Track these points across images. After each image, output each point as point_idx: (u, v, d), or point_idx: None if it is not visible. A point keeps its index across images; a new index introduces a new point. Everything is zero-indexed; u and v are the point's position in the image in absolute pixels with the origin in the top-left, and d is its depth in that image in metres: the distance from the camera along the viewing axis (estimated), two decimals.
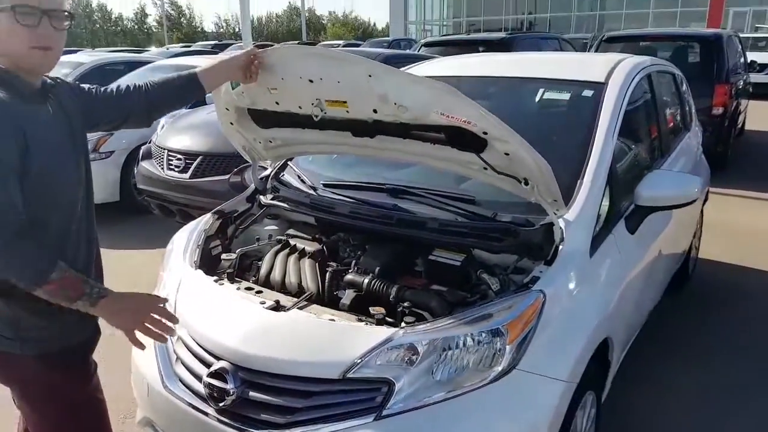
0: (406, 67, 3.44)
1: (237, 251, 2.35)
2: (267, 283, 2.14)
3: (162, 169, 4.80)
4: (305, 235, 2.41)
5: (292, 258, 2.22)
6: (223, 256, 2.33)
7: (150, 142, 5.20)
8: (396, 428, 1.59)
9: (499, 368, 1.67)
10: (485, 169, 1.96)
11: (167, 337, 1.56)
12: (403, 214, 2.20)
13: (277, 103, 2.10)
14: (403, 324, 1.78)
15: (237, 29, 51.79)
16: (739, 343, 3.39)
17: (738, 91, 8.19)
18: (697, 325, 3.62)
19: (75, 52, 17.24)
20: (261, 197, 2.59)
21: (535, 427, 1.68)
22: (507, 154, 1.82)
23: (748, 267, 4.49)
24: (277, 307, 1.89)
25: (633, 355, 2.81)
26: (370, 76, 1.77)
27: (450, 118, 1.77)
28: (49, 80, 1.57)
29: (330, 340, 1.76)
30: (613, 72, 2.73)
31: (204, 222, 2.49)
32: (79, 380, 1.67)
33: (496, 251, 2.05)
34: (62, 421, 1.62)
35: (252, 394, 1.72)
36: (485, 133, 1.78)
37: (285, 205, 2.50)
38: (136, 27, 54.19)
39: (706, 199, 4.30)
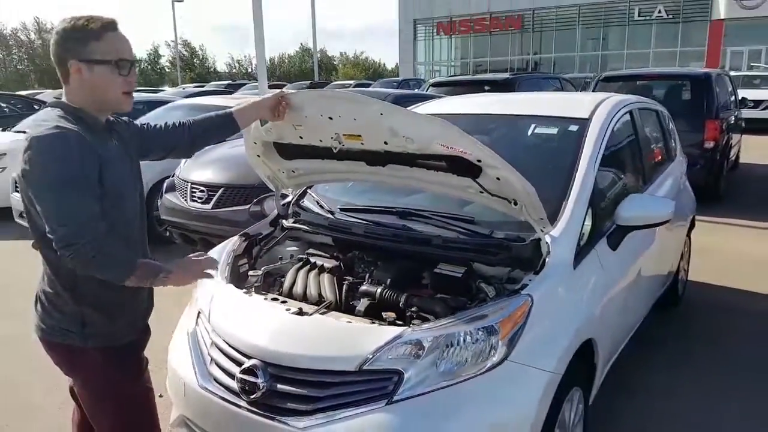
0: (414, 106, 3.80)
1: (262, 269, 2.65)
2: (290, 295, 2.43)
3: (185, 200, 5.14)
4: (324, 254, 2.70)
5: (313, 273, 2.51)
6: (250, 272, 2.63)
7: (173, 176, 5.54)
8: (404, 411, 1.86)
9: (494, 360, 1.94)
10: (481, 192, 2.26)
11: (212, 274, 1.94)
12: (411, 233, 2.50)
13: (300, 137, 2.43)
14: (411, 324, 2.06)
15: (249, 69, 53.02)
16: (725, 356, 3.64)
17: (729, 127, 8.53)
18: (685, 340, 3.87)
19: None
20: (283, 221, 2.90)
21: (525, 410, 1.94)
22: (498, 178, 2.12)
23: (738, 289, 4.74)
24: (301, 312, 2.18)
25: (624, 366, 3.07)
26: (381, 114, 2.10)
27: (449, 149, 2.08)
28: (110, 117, 1.89)
29: (347, 338, 2.04)
30: (596, 109, 3.06)
31: (232, 243, 2.79)
32: (133, 373, 1.94)
33: (493, 264, 2.33)
34: (119, 408, 1.88)
35: (279, 386, 1.99)
36: (479, 161, 2.09)
37: (305, 228, 2.81)
38: (149, 67, 55.55)
39: (693, 226, 4.58)
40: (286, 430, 1.90)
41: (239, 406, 2.02)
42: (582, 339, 2.23)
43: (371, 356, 1.94)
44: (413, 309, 2.20)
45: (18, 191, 6.45)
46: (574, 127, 2.95)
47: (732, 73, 20.53)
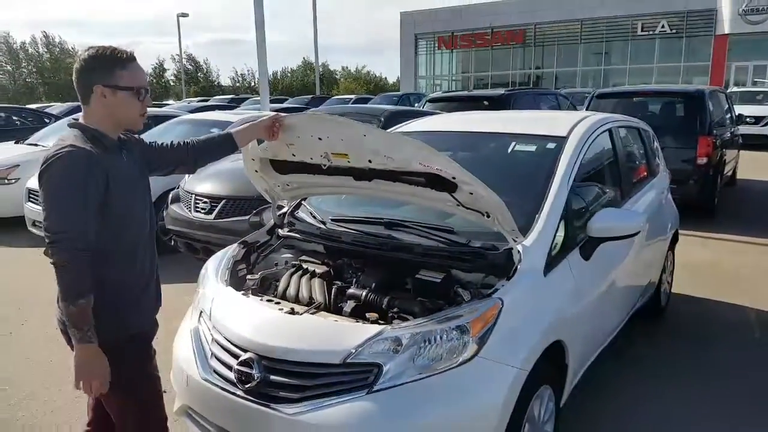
0: (407, 123, 4.03)
1: (259, 273, 2.87)
2: (284, 297, 2.64)
3: (189, 211, 5.38)
4: (316, 260, 2.92)
5: (305, 277, 2.73)
6: (248, 277, 2.85)
7: (178, 188, 5.79)
8: (383, 400, 2.06)
9: (465, 356, 2.15)
10: (457, 205, 2.48)
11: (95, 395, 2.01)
12: (395, 242, 2.72)
13: (293, 155, 2.66)
14: (392, 323, 2.27)
15: (253, 83, 53.46)
16: (704, 363, 3.83)
17: (724, 143, 8.72)
18: (667, 348, 4.07)
19: None
20: (279, 230, 3.12)
21: (493, 401, 2.13)
22: (471, 193, 2.35)
23: (722, 301, 4.92)
24: (292, 312, 2.40)
25: (599, 371, 3.27)
26: (364, 135, 2.35)
27: (426, 167, 2.31)
28: (122, 135, 2.12)
29: (333, 335, 2.25)
30: (574, 128, 3.28)
31: (232, 250, 3.02)
32: (143, 361, 2.15)
33: (469, 270, 2.54)
34: (130, 392, 2.08)
35: (272, 377, 2.20)
36: (454, 178, 2.31)
37: (299, 236, 3.03)
38: (154, 81, 56.10)
39: (676, 240, 4.78)
40: (277, 415, 2.11)
41: (236, 395, 2.23)
42: (550, 340, 2.43)
43: (354, 351, 2.14)
44: (394, 310, 2.41)
45: (31, 201, 6.75)
46: (551, 145, 3.17)
47: (734, 89, 20.78)
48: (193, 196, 5.42)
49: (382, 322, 2.33)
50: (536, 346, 2.32)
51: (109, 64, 1.95)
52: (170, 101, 32.71)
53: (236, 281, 2.81)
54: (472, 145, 3.57)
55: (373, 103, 18.27)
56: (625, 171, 3.76)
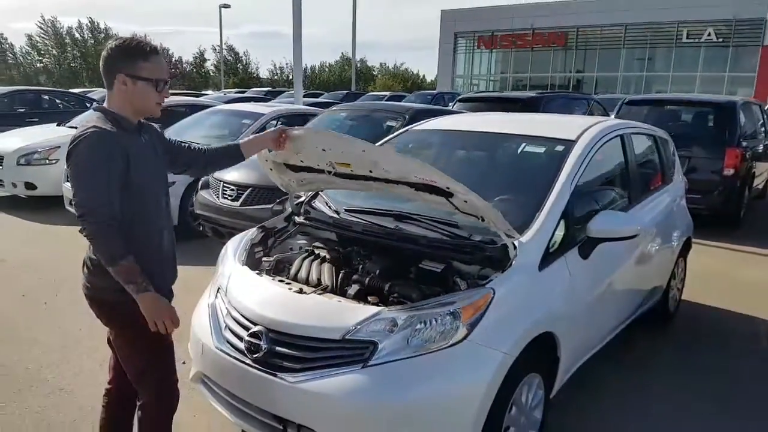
0: (427, 120, 4.21)
1: (274, 256, 3.08)
2: (295, 278, 2.84)
3: (217, 197, 5.64)
4: (328, 247, 3.11)
5: (316, 262, 2.93)
6: (264, 259, 3.06)
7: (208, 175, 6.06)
8: (376, 374, 2.25)
9: (456, 339, 2.31)
10: (455, 209, 2.65)
11: (170, 331, 2.18)
12: (402, 233, 2.89)
13: (301, 161, 2.88)
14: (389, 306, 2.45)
15: (290, 77, 54.07)
16: (704, 368, 3.92)
17: (756, 155, 8.65)
18: (670, 353, 4.16)
19: None
20: (296, 218, 3.32)
21: (479, 381, 2.30)
22: (465, 201, 2.52)
23: (735, 312, 4.95)
24: (300, 291, 2.60)
25: (601, 373, 3.39)
26: (363, 151, 2.54)
27: (423, 179, 2.51)
28: (141, 120, 2.27)
29: (335, 313, 2.44)
30: (584, 132, 3.40)
31: (251, 233, 3.23)
32: None
33: (468, 262, 2.70)
34: (145, 354, 2.26)
35: (278, 348, 2.40)
36: (447, 188, 2.49)
37: (314, 224, 3.22)
38: (194, 70, 57.13)
39: (689, 248, 4.84)
40: (280, 383, 2.31)
41: (245, 363, 2.44)
42: (540, 330, 2.58)
43: (353, 328, 2.33)
44: (395, 295, 2.59)
45: (68, 181, 7.11)
46: (560, 148, 3.30)
47: None
48: (222, 183, 5.68)
49: (382, 305, 2.51)
50: (524, 334, 2.47)
51: (132, 56, 2.11)
52: (209, 91, 33.32)
53: (253, 262, 3.02)
54: (484, 145, 3.72)
55: (407, 101, 18.41)
56: (635, 176, 3.85)
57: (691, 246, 4.88)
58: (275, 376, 2.34)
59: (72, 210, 7.16)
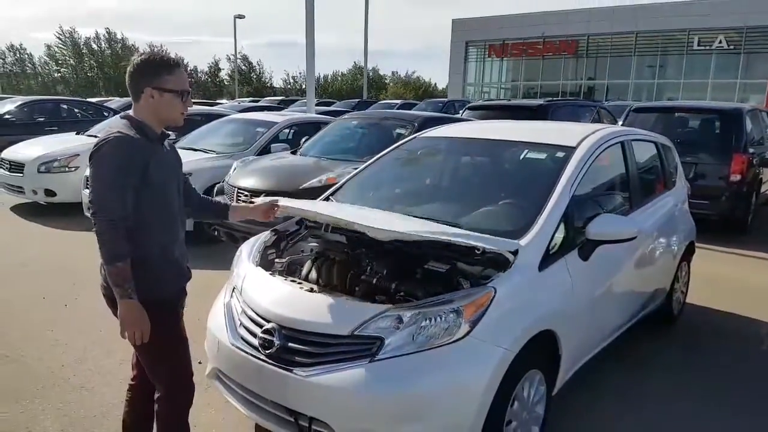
0: (434, 128, 4.35)
1: (287, 258, 3.22)
2: (306, 278, 2.98)
3: (232, 203, 5.79)
4: (337, 249, 3.25)
5: (326, 264, 3.06)
6: (277, 260, 3.20)
7: (223, 182, 6.24)
8: (382, 368, 2.38)
9: (458, 335, 2.44)
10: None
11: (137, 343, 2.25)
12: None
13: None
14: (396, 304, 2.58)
15: (303, 86, 54.49)
16: (704, 369, 4.01)
17: (763, 161, 8.71)
18: (672, 354, 4.25)
19: None
20: (307, 221, 3.46)
21: (480, 375, 2.41)
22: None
23: (740, 315, 5.03)
24: (311, 291, 2.74)
25: (603, 373, 3.49)
26: (350, 222, 2.74)
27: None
28: (164, 130, 2.39)
29: (344, 311, 2.57)
30: (584, 139, 3.53)
31: (264, 237, 3.38)
32: (173, 322, 2.42)
33: (471, 263, 2.83)
34: (162, 347, 2.35)
35: (290, 344, 2.54)
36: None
37: (324, 228, 3.36)
38: (209, 80, 57.70)
39: (692, 252, 4.93)
40: (292, 377, 2.45)
41: (258, 359, 2.58)
42: (540, 328, 2.69)
43: (361, 325, 2.47)
44: (401, 293, 2.72)
45: (88, 188, 7.31)
46: (560, 154, 3.42)
47: None
48: (236, 189, 5.85)
49: (388, 303, 2.63)
50: (525, 331, 2.59)
51: (157, 70, 2.26)
52: (223, 100, 33.69)
53: (266, 263, 3.17)
54: (489, 151, 3.86)
55: (417, 109, 18.57)
56: (635, 182, 3.96)
57: (694, 250, 4.97)
58: (287, 370, 2.47)
59: (90, 215, 7.39)
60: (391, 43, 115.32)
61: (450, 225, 3.03)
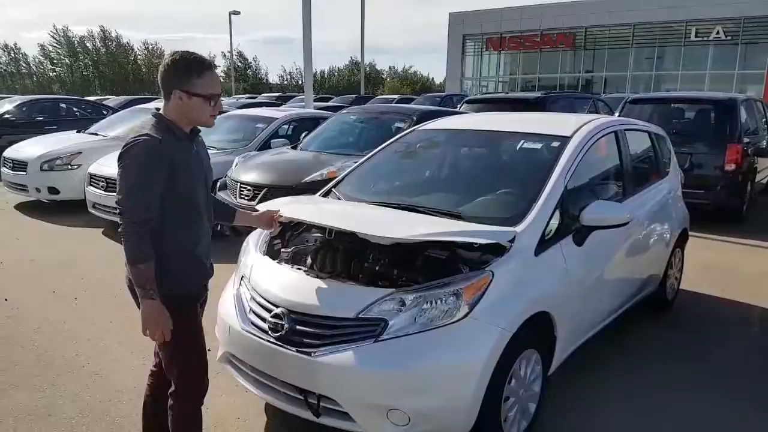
0: (433, 120, 4.47)
1: (292, 248, 3.34)
2: (311, 267, 3.10)
3: (234, 197, 5.92)
4: (341, 239, 3.36)
5: (331, 252, 3.18)
6: (282, 250, 3.32)
7: (225, 177, 6.36)
8: (386, 347, 2.51)
9: (458, 316, 2.56)
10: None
11: (159, 342, 2.33)
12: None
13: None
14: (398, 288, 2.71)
15: (300, 82, 54.50)
16: (693, 346, 4.14)
17: (758, 151, 8.83)
18: (665, 338, 4.39)
19: (150, 100, 19.10)
20: None
21: (479, 353, 2.54)
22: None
23: (733, 300, 5.18)
24: (317, 277, 2.86)
25: (598, 357, 3.62)
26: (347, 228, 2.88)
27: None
28: (195, 127, 2.40)
29: (349, 295, 2.70)
30: (578, 129, 3.65)
31: None
32: (192, 317, 2.44)
33: (470, 249, 2.95)
34: (179, 340, 2.39)
35: (298, 327, 2.67)
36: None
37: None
38: None
39: (686, 239, 5.06)
40: (301, 357, 2.58)
41: (268, 341, 2.70)
42: (536, 309, 2.82)
43: (365, 308, 2.59)
44: (403, 278, 2.84)
45: (91, 185, 7.41)
46: (556, 144, 3.54)
47: None
48: (239, 184, 5.97)
49: (391, 287, 2.75)
50: (521, 312, 2.72)
51: (187, 72, 2.25)
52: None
53: (272, 253, 3.29)
54: (486, 142, 3.99)
55: (415, 103, 18.68)
56: (629, 170, 4.08)
57: (688, 237, 5.10)
58: (296, 351, 2.60)
59: (95, 213, 7.50)
60: (388, 38, 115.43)
61: (450, 215, 3.15)
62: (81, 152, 8.54)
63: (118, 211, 2.22)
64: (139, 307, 2.34)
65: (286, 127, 8.65)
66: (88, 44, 55.42)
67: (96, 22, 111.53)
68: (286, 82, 59.40)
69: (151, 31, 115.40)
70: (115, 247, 6.75)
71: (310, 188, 5.05)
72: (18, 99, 14.44)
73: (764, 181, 9.86)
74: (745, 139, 8.22)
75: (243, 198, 5.88)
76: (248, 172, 6.11)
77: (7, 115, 12.79)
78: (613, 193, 3.88)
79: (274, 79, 60.87)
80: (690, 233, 5.20)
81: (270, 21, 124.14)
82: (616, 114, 8.82)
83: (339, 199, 3.68)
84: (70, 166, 8.49)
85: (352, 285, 2.79)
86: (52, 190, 8.49)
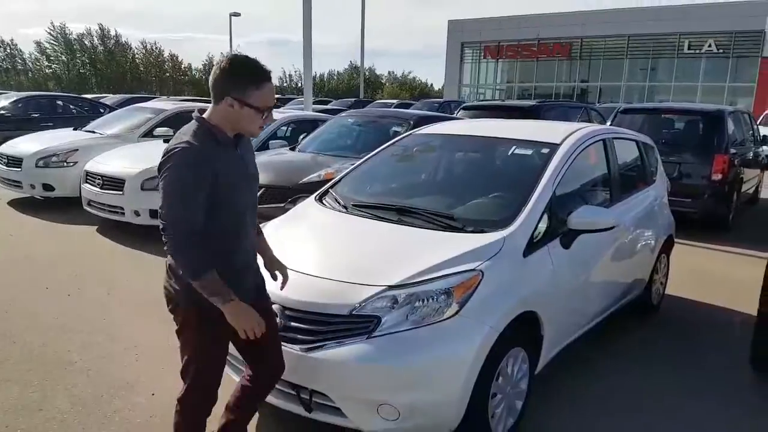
0: (429, 126, 4.58)
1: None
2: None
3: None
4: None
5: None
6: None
7: None
8: (379, 343, 2.59)
9: (448, 314, 2.65)
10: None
11: (258, 335, 2.27)
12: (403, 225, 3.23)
13: None
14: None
15: (299, 84, 54.57)
16: (680, 354, 4.24)
17: (744, 162, 8.99)
18: (651, 342, 4.49)
19: (148, 99, 19.14)
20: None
21: (467, 350, 2.62)
22: None
23: (715, 305, 5.29)
24: (311, 274, 2.93)
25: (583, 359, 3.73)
26: None
27: None
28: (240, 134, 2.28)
29: (343, 293, 2.77)
30: (568, 137, 3.76)
31: (267, 227, 3.57)
32: (217, 327, 2.26)
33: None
34: (197, 347, 2.31)
35: (293, 323, 2.75)
36: None
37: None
38: (204, 77, 57.74)
39: (671, 245, 5.17)
40: (295, 353, 2.66)
41: None
42: (523, 309, 2.91)
43: (359, 305, 2.68)
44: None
45: (87, 183, 7.45)
46: (545, 150, 3.65)
47: None
48: None
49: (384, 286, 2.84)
50: (508, 311, 2.81)
51: (245, 81, 2.13)
52: None
53: None
54: (479, 147, 4.11)
55: (414, 109, 18.86)
56: (616, 177, 4.19)
57: (673, 243, 5.21)
58: (290, 347, 2.67)
59: (90, 210, 7.53)
60: (388, 42, 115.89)
61: (444, 216, 3.27)
62: (78, 149, 8.56)
63: (161, 226, 2.12)
64: (171, 313, 2.33)
65: (284, 128, 8.74)
66: (86, 42, 55.34)
67: (96, 19, 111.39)
68: (285, 84, 59.44)
69: (151, 30, 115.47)
70: (108, 245, 6.82)
71: (308, 189, 5.14)
72: (14, 95, 14.43)
73: (750, 191, 10.04)
74: (732, 150, 8.38)
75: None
76: None
77: (2, 111, 12.80)
78: (600, 199, 3.99)
79: (273, 80, 60.81)
80: (677, 240, 5.31)
81: (270, 23, 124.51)
82: (608, 123, 8.96)
83: (336, 200, 3.76)
84: (66, 164, 8.50)
85: (345, 282, 2.87)
86: (47, 187, 8.50)
